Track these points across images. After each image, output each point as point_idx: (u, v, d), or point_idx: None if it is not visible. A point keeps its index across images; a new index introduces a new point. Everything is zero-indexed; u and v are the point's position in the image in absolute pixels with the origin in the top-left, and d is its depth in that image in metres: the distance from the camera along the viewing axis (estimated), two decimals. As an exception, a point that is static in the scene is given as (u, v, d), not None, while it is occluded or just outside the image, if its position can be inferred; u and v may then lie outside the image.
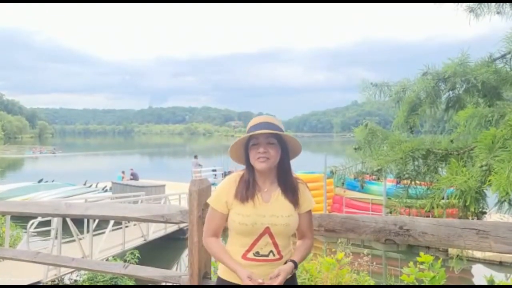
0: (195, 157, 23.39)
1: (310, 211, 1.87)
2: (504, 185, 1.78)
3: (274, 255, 1.75)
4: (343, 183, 3.08)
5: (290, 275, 1.77)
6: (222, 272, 1.84)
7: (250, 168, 1.78)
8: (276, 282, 1.65)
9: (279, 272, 1.68)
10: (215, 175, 22.39)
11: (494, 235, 1.70)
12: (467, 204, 2.03)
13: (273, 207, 1.75)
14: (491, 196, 2.10)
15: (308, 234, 1.87)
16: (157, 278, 2.73)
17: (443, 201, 2.32)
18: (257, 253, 1.74)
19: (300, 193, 1.81)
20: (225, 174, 20.24)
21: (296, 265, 1.76)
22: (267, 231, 1.73)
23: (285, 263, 1.76)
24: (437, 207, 2.30)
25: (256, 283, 1.64)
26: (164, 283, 2.79)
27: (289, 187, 1.80)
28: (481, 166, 2.03)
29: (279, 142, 1.75)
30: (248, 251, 1.75)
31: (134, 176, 19.73)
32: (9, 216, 7.61)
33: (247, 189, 1.76)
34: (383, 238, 1.94)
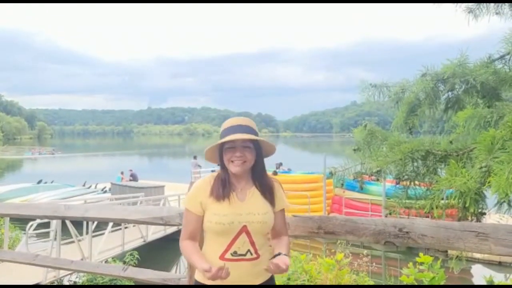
0: (195, 157, 23.30)
1: (283, 210, 1.89)
2: (504, 186, 1.77)
3: (251, 254, 1.74)
4: (342, 184, 3.07)
5: (270, 275, 1.78)
6: (197, 274, 1.80)
7: (225, 168, 1.79)
8: (282, 265, 1.60)
9: (279, 261, 1.63)
10: (214, 175, 22.26)
11: (493, 238, 1.70)
12: (466, 205, 2.02)
13: (249, 205, 1.75)
14: (491, 197, 2.10)
15: (283, 231, 1.90)
16: (156, 280, 2.72)
17: (442, 201, 2.31)
18: (234, 253, 1.73)
19: (275, 192, 1.83)
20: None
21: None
22: (244, 229, 1.72)
23: (274, 257, 1.72)
24: (437, 208, 2.29)
25: (215, 271, 1.54)
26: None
27: (265, 186, 1.81)
28: (481, 167, 2.02)
29: (254, 145, 1.76)
30: (226, 251, 1.73)
31: (133, 177, 19.72)
32: (8, 218, 7.59)
33: (224, 188, 1.76)
34: (383, 240, 1.93)
